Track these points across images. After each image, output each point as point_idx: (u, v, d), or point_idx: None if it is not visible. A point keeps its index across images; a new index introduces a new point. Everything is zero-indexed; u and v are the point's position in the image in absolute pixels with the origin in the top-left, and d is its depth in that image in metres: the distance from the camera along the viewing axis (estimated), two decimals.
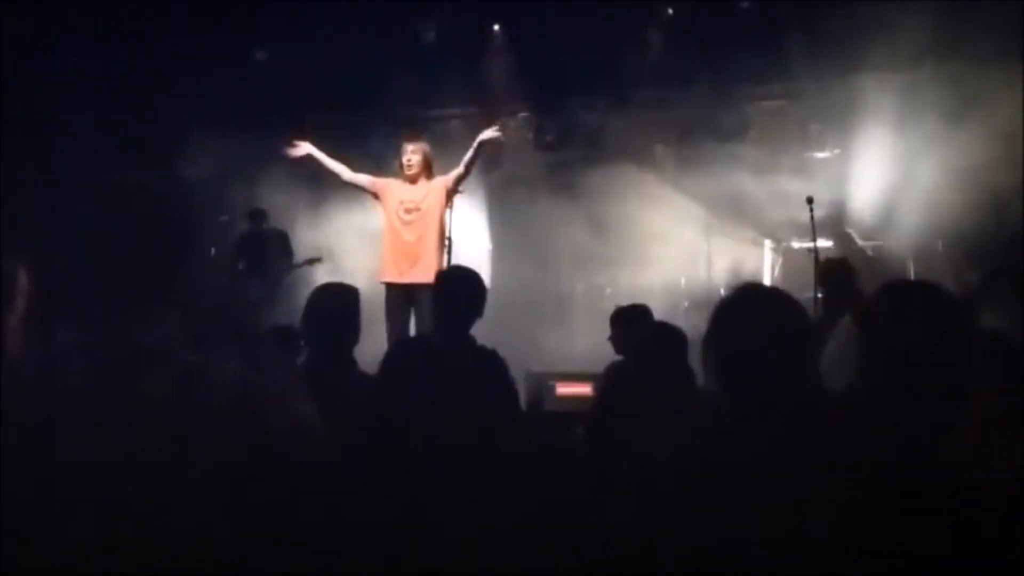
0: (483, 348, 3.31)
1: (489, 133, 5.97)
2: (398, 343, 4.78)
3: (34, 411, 1.36)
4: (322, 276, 7.25)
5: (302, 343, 3.51)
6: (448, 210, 6.01)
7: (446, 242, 6.00)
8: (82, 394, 1.36)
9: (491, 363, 3.28)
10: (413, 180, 5.88)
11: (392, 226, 5.90)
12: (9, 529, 1.30)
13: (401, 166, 5.92)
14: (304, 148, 6.09)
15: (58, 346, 1.43)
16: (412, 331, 5.70)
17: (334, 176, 6.11)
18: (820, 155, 8.55)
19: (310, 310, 3.14)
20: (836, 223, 7.38)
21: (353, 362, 3.12)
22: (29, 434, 1.35)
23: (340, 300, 3.19)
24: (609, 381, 3.74)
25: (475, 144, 5.94)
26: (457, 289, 3.40)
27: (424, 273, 5.61)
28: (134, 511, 1.33)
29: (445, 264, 5.93)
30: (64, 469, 1.34)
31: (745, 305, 1.78)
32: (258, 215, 8.34)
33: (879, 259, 7.29)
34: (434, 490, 2.87)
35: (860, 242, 7.40)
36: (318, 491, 1.74)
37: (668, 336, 3.29)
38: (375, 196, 6.02)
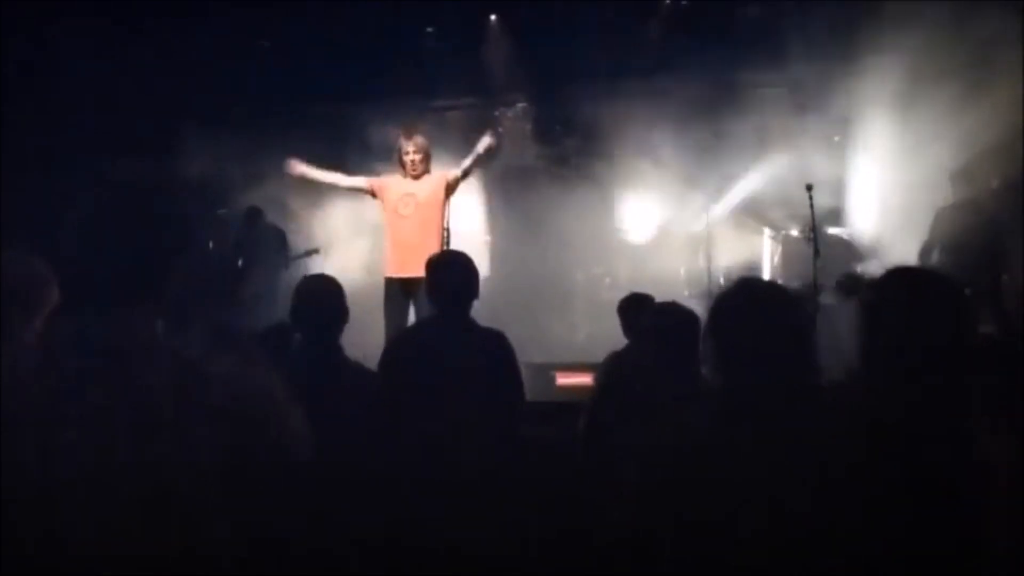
0: (489, 330, 3.32)
1: (487, 140, 5.82)
2: (403, 331, 4.78)
3: (30, 404, 1.34)
4: (320, 269, 7.24)
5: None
6: (447, 202, 5.98)
7: (444, 233, 5.98)
8: (76, 387, 1.35)
9: (498, 345, 3.29)
10: (416, 178, 5.85)
11: (391, 222, 5.88)
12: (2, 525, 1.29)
13: (402, 163, 5.87)
14: (297, 167, 6.01)
15: (54, 339, 1.41)
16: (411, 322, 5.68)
17: (332, 187, 6.07)
18: (819, 142, 8.53)
19: (297, 300, 3.19)
20: None
21: (340, 348, 3.16)
22: (24, 428, 1.33)
23: (325, 289, 3.23)
24: (609, 371, 3.73)
25: (474, 153, 5.84)
26: (449, 273, 3.39)
27: (422, 267, 5.59)
28: (130, 507, 1.31)
29: None
30: (59, 464, 1.32)
31: (743, 301, 1.77)
32: (254, 213, 8.35)
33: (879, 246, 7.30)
34: (440, 478, 2.88)
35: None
36: (317, 484, 1.74)
37: (671, 318, 3.24)
38: (373, 195, 5.98)
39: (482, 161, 5.93)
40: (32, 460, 1.29)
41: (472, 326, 3.31)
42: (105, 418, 1.30)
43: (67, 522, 1.28)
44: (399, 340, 3.87)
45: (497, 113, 9.95)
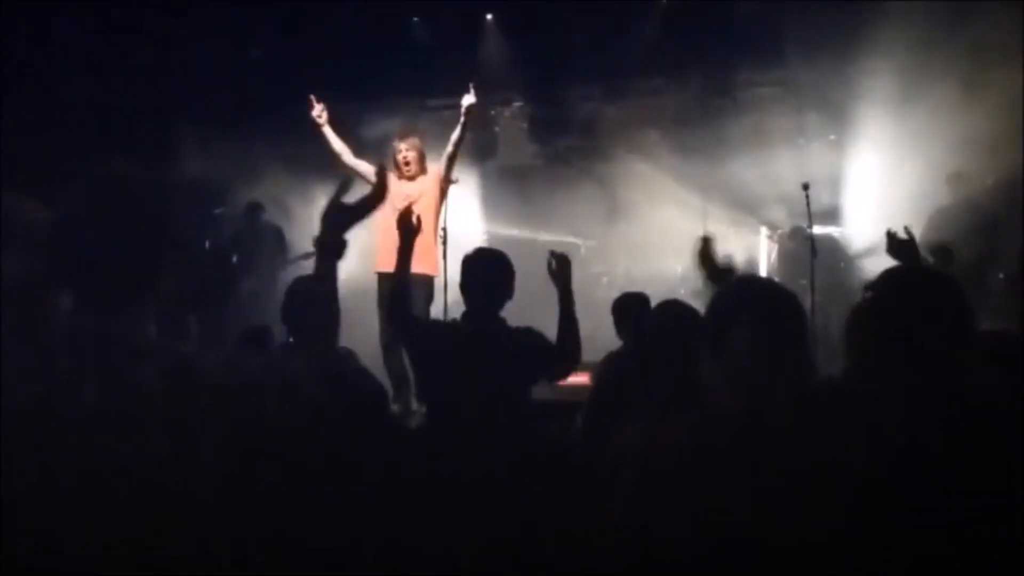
0: (518, 328, 3.31)
1: (469, 99, 5.81)
2: (430, 324, 4.76)
3: (26, 402, 1.33)
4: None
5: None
6: (443, 201, 5.98)
7: (441, 233, 5.97)
8: (73, 385, 1.34)
9: (528, 335, 3.27)
10: (411, 179, 5.85)
11: (386, 217, 5.84)
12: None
13: (396, 164, 5.87)
14: (323, 115, 5.90)
15: (50, 336, 1.41)
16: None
17: (335, 156, 5.99)
18: (816, 141, 8.54)
19: (289, 301, 3.14)
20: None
21: (332, 349, 3.12)
22: (20, 426, 1.32)
23: (317, 289, 3.19)
24: (607, 370, 3.72)
25: (461, 120, 5.81)
26: (485, 272, 3.37)
27: (417, 263, 5.58)
28: (127, 505, 1.31)
29: (440, 256, 5.91)
30: (55, 461, 1.31)
31: (740, 299, 1.77)
32: (254, 208, 8.34)
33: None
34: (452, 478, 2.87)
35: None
36: (318, 482, 1.73)
37: (672, 316, 3.23)
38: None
39: (470, 124, 5.86)
40: (28, 458, 1.29)
41: (502, 326, 3.29)
42: (101, 415, 1.29)
43: (65, 519, 1.27)
44: (427, 332, 3.81)
45: (494, 112, 9.94)
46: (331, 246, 1.77)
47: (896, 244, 2.88)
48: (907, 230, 2.97)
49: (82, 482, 1.28)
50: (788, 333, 1.66)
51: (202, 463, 1.33)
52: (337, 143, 5.94)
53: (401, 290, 3.61)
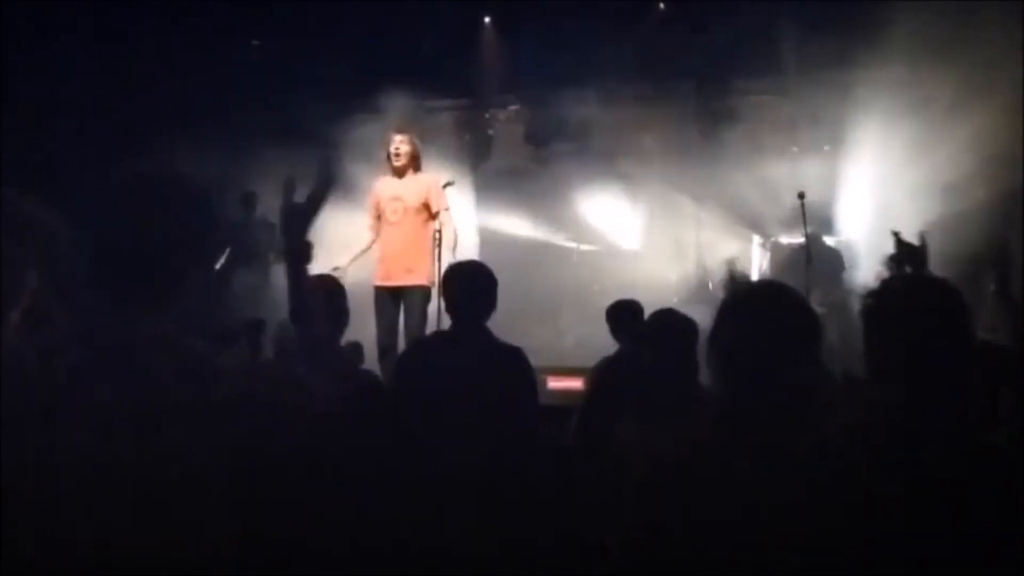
0: (505, 345, 3.27)
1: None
2: (418, 342, 4.74)
3: (37, 399, 1.33)
4: (314, 268, 7.20)
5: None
6: (436, 202, 5.94)
7: (435, 236, 5.91)
8: (88, 383, 1.34)
9: (514, 362, 3.24)
10: (400, 173, 5.82)
11: (381, 229, 5.82)
12: (9, 520, 1.27)
13: (389, 157, 5.85)
14: (342, 273, 5.79)
15: (63, 335, 1.40)
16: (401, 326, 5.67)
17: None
18: (811, 150, 8.57)
19: (298, 300, 3.14)
20: None
21: (340, 349, 3.11)
22: (32, 422, 1.32)
23: (327, 289, 3.18)
24: (601, 375, 3.73)
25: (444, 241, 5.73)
26: (464, 286, 3.34)
27: (412, 276, 5.61)
28: (141, 501, 1.30)
29: (435, 260, 5.85)
30: (68, 459, 1.31)
31: (746, 304, 1.76)
32: (250, 198, 8.29)
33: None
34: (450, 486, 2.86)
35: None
36: (328, 481, 1.72)
37: (670, 324, 3.23)
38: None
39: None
40: (40, 454, 1.28)
41: (488, 341, 3.26)
42: (116, 412, 1.29)
43: (77, 512, 1.27)
44: (413, 351, 3.79)
45: (489, 115, 9.95)
46: (296, 253, 1.79)
47: (904, 248, 2.85)
48: (922, 236, 2.94)
49: (95, 478, 1.27)
50: (793, 338, 1.66)
51: (212, 460, 1.33)
52: (358, 252, 5.84)
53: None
